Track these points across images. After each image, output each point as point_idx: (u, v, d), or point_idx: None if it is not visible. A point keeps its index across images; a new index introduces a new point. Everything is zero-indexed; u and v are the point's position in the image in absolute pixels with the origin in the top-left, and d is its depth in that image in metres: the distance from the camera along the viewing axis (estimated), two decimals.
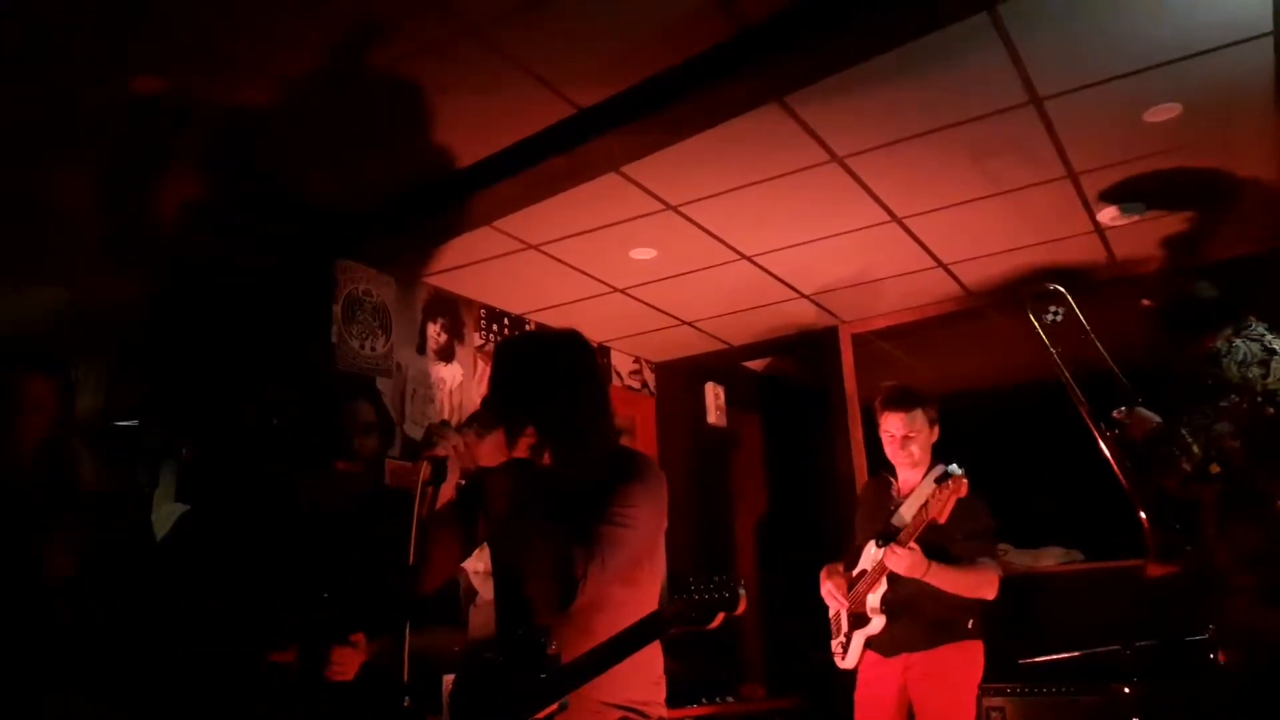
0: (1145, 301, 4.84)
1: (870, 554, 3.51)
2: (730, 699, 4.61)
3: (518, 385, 2.12)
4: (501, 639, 2.10)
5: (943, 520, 3.27)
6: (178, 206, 3.67)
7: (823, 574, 3.66)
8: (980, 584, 3.35)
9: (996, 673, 4.51)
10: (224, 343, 4.16)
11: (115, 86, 2.91)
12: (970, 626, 3.41)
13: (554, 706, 1.86)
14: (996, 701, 4.39)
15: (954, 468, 3.30)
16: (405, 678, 2.06)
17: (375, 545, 2.75)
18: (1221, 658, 2.34)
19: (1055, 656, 4.14)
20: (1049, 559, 5.08)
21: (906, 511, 3.46)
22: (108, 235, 3.79)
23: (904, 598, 3.39)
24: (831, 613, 3.66)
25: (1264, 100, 3.20)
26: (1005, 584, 5.06)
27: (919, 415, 3.49)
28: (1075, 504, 5.36)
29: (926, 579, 3.29)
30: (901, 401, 3.50)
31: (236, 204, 3.69)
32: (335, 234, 3.94)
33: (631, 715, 2.01)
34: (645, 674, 2.05)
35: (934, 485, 3.33)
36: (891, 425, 3.50)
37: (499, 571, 2.21)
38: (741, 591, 1.81)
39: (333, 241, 3.99)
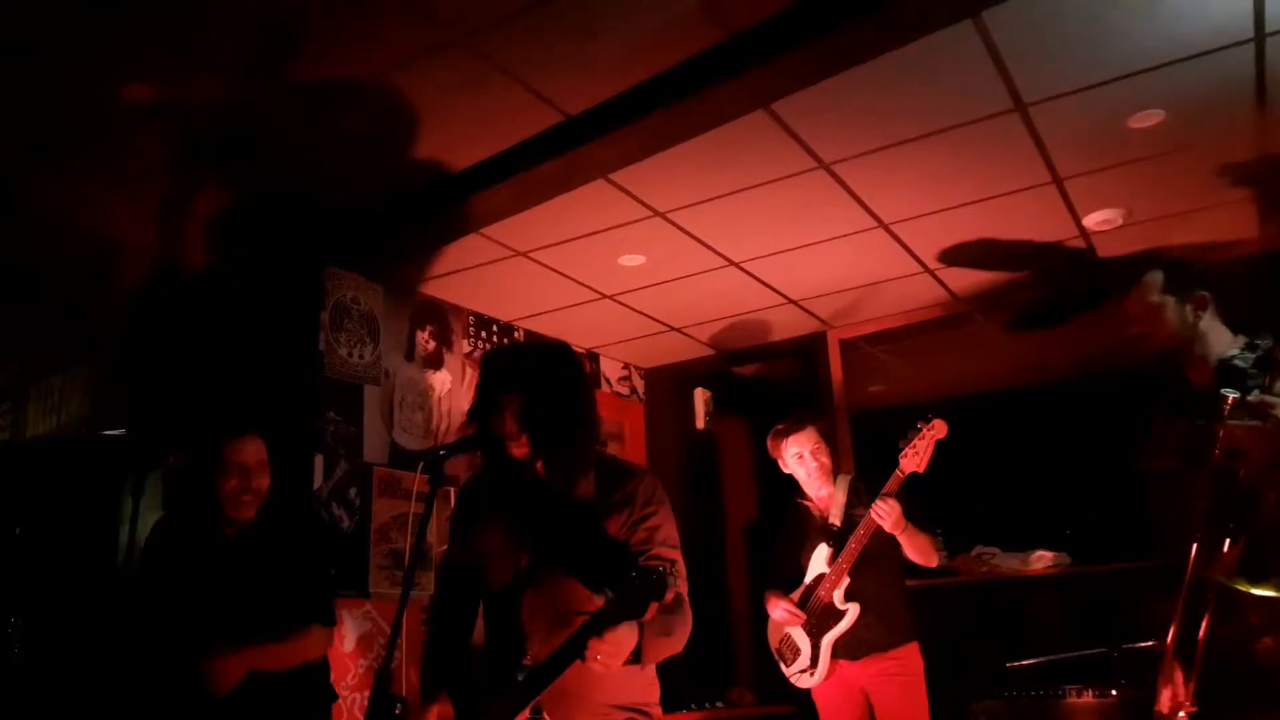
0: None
1: (821, 556, 3.61)
2: (720, 704, 4.61)
3: (510, 395, 2.12)
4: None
5: (922, 470, 3.44)
6: (166, 213, 3.66)
7: (769, 600, 3.70)
8: (933, 549, 3.60)
9: (986, 676, 4.53)
10: (211, 350, 4.15)
11: (106, 91, 2.90)
12: (913, 627, 3.60)
13: (524, 715, 1.94)
14: (986, 705, 4.40)
15: (922, 421, 3.48)
16: (401, 690, 2.09)
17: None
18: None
19: (1044, 659, 4.15)
20: (1037, 562, 5.10)
21: (837, 512, 3.64)
22: (96, 241, 3.78)
23: (866, 589, 3.50)
24: (778, 640, 3.69)
25: (1246, 106, 3.23)
26: (994, 587, 5.11)
27: (815, 431, 3.75)
28: (1063, 508, 5.39)
29: (902, 536, 3.47)
30: (799, 422, 3.76)
31: (225, 211, 3.69)
32: (323, 241, 3.94)
33: (636, 716, 2.08)
34: (642, 676, 2.10)
35: (848, 476, 3.69)
36: (798, 444, 3.72)
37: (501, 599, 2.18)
38: (670, 580, 1.88)
39: (320, 249, 3.98)
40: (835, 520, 3.64)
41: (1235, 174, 3.69)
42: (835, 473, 3.76)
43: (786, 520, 3.85)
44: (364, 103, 3.06)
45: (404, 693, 2.16)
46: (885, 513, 3.42)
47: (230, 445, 2.79)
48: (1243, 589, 2.25)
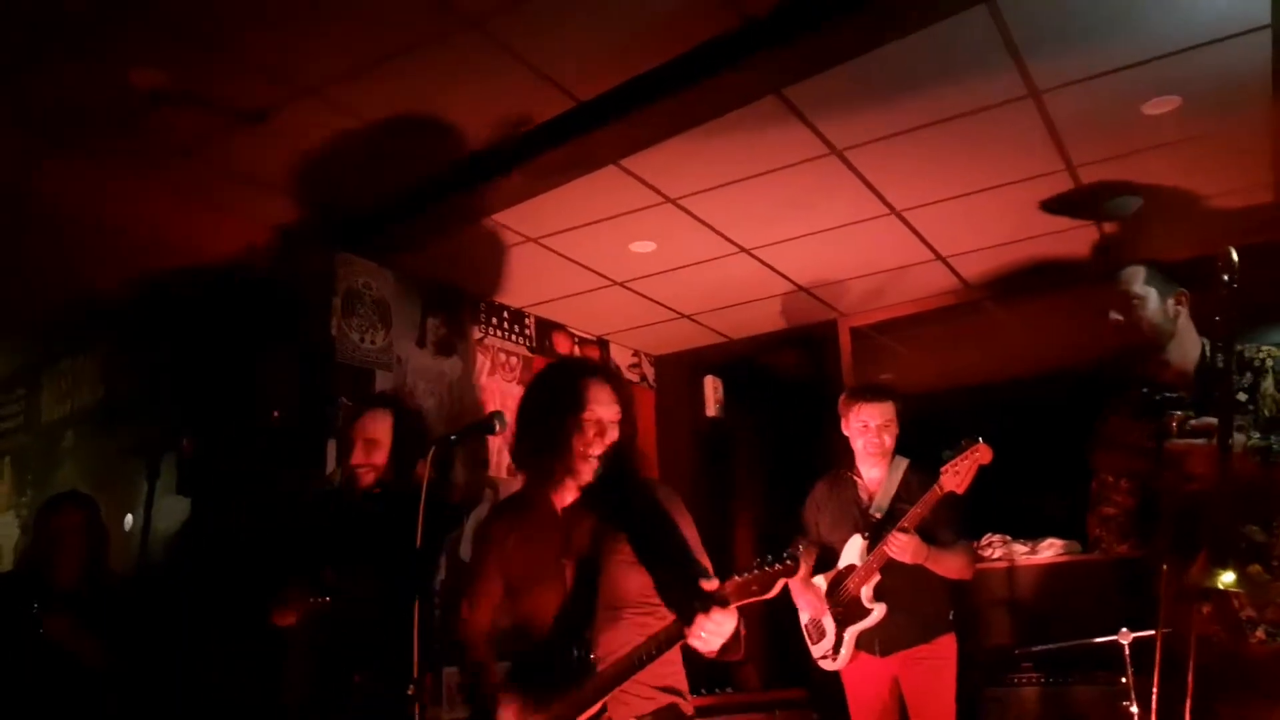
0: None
1: (856, 548, 3.54)
2: (729, 689, 4.63)
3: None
4: (548, 648, 2.24)
5: (961, 491, 3.32)
6: (180, 199, 3.68)
7: (794, 586, 3.62)
8: (965, 565, 3.51)
9: (996, 663, 4.54)
10: (224, 335, 4.17)
11: (116, 79, 2.92)
12: (951, 619, 3.54)
13: (596, 708, 2.09)
14: (997, 692, 4.41)
15: (967, 440, 3.35)
16: (415, 672, 2.13)
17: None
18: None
19: (1053, 646, 4.15)
20: (1048, 550, 5.09)
21: (883, 501, 3.54)
22: (109, 225, 3.80)
23: (897, 588, 3.43)
24: (807, 618, 3.66)
25: (1262, 92, 3.21)
26: (1006, 575, 5.11)
27: (891, 407, 3.59)
28: (1074, 496, 5.37)
29: (926, 563, 3.36)
30: (878, 393, 3.62)
31: (237, 198, 3.71)
32: (335, 227, 3.95)
33: (675, 699, 2.21)
34: (674, 664, 2.23)
35: (906, 460, 3.55)
36: (868, 415, 3.57)
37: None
38: (803, 559, 2.01)
39: (332, 235, 3.99)
40: (878, 510, 3.54)
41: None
42: (893, 454, 3.61)
43: (825, 489, 3.76)
44: (375, 89, 3.06)
45: (415, 674, 2.17)
46: (901, 548, 3.32)
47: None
48: (1210, 584, 2.26)
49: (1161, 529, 2.52)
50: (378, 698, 2.62)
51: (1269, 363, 2.47)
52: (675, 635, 2.06)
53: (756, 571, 2.00)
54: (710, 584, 2.03)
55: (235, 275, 4.12)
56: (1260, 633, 2.36)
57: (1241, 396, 2.40)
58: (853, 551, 3.55)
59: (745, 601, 2.03)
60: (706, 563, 2.27)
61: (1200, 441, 2.35)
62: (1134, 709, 3.73)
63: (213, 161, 3.45)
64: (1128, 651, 3.80)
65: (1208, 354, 2.51)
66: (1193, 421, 2.41)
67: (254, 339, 4.08)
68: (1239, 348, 2.40)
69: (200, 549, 2.87)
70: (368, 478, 2.97)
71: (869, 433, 3.56)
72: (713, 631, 2.01)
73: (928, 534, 3.39)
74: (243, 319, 4.14)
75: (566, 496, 2.31)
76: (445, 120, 3.26)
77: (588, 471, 2.26)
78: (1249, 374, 2.44)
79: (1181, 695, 2.30)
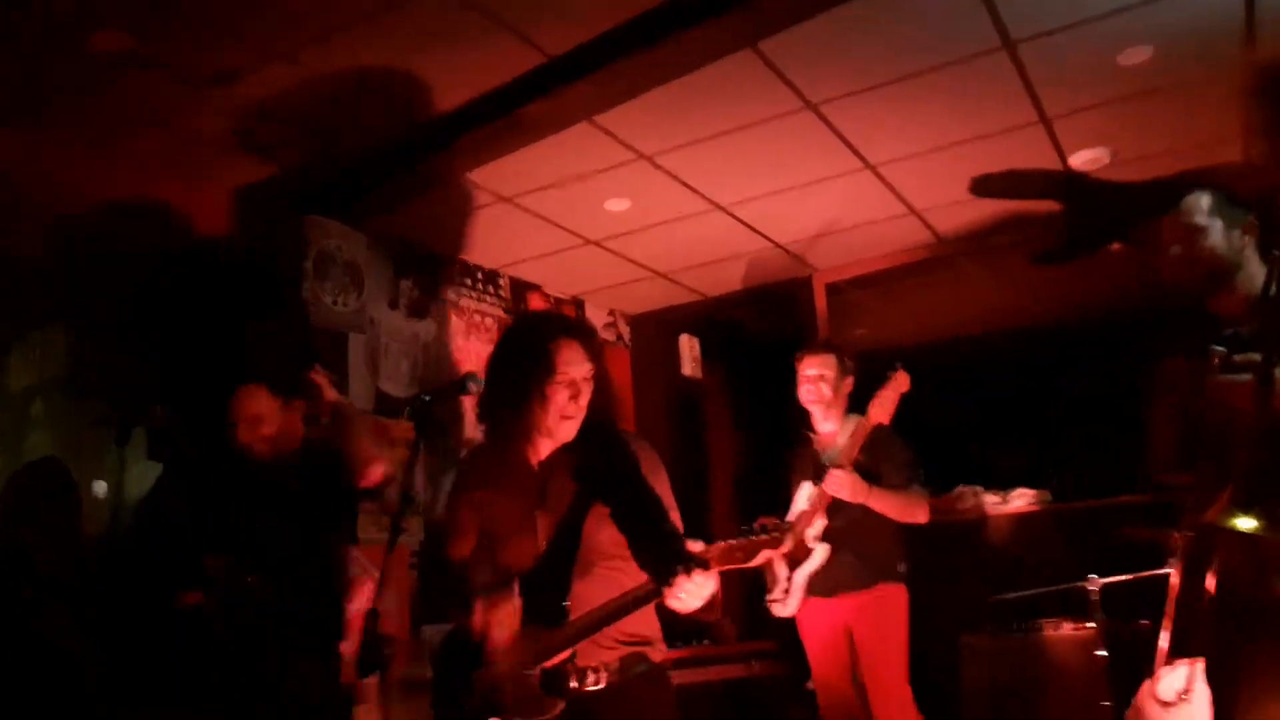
0: (1115, 246, 4.89)
1: (806, 494, 3.62)
2: (707, 641, 4.69)
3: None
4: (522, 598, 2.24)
5: (886, 421, 3.43)
6: (148, 166, 3.61)
7: (760, 524, 3.70)
8: (914, 506, 3.55)
9: (971, 611, 4.63)
10: (197, 301, 4.10)
11: (82, 44, 2.84)
12: (901, 571, 3.58)
13: (566, 654, 2.11)
14: (972, 639, 4.50)
15: (890, 371, 3.46)
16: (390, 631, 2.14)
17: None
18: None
19: (1026, 594, 4.24)
20: (1019, 500, 5.18)
21: (836, 451, 3.60)
22: (73, 195, 3.72)
23: (843, 530, 3.50)
24: (765, 565, 3.70)
25: (1234, 42, 3.21)
26: (978, 525, 5.19)
27: (831, 359, 3.70)
28: (1043, 446, 5.46)
29: (868, 502, 3.44)
30: (815, 346, 3.79)
31: (206, 164, 3.63)
32: (306, 190, 3.89)
33: (640, 649, 2.22)
34: (647, 614, 2.23)
35: (860, 416, 3.58)
36: (805, 366, 3.71)
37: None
38: (789, 533, 1.99)
39: (303, 198, 3.93)
40: (829, 460, 3.61)
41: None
42: (846, 411, 3.72)
43: (794, 455, 3.85)
44: (345, 47, 2.99)
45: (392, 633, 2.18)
46: (838, 484, 3.40)
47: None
48: (1230, 525, 2.23)
49: (1199, 470, 2.46)
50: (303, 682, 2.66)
51: None
52: (652, 593, 2.08)
53: (742, 540, 2.03)
54: (696, 545, 2.06)
55: (206, 241, 4.05)
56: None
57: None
58: (803, 498, 3.63)
59: (727, 568, 2.05)
60: (678, 521, 2.29)
61: (1243, 377, 2.20)
62: (1103, 653, 3.84)
63: (180, 127, 3.38)
64: (1097, 598, 3.89)
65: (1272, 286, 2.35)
66: (1236, 357, 2.28)
67: (227, 304, 4.03)
68: None
69: (164, 516, 2.83)
70: (261, 449, 2.90)
71: (805, 383, 3.70)
72: (691, 593, 2.03)
73: (872, 475, 3.48)
74: (215, 284, 4.08)
75: (541, 450, 2.30)
76: (415, 79, 3.20)
77: (565, 432, 2.26)
78: None
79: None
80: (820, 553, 3.52)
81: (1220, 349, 2.31)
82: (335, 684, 2.76)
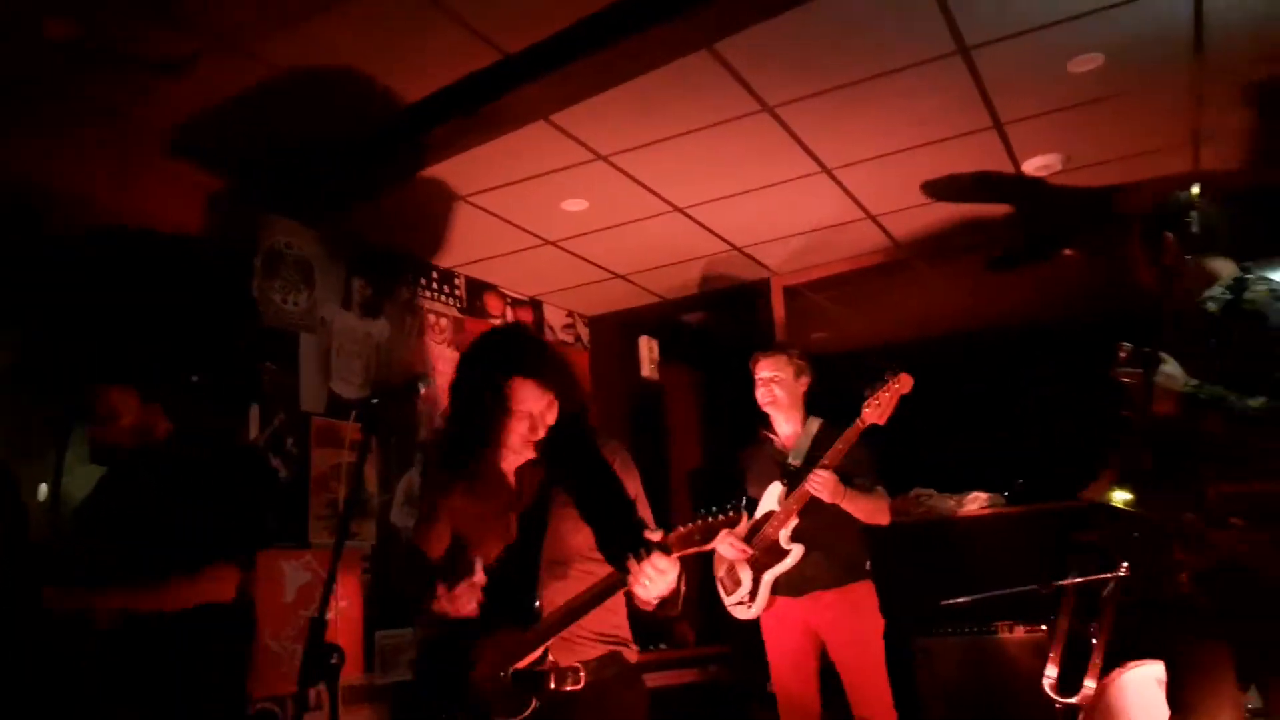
0: (1067, 251, 4.96)
1: (774, 494, 3.64)
2: (663, 645, 4.68)
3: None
4: (494, 600, 2.26)
5: (882, 422, 3.45)
6: (94, 158, 3.51)
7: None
8: (881, 509, 3.62)
9: (924, 614, 4.65)
10: (143, 297, 4.01)
11: (28, 32, 2.75)
12: (868, 568, 3.64)
13: (538, 653, 2.15)
14: (924, 642, 4.53)
15: (889, 372, 3.49)
16: (337, 639, 2.10)
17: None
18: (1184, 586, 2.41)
19: (978, 596, 4.27)
20: (972, 503, 5.23)
21: (800, 452, 3.66)
22: (17, 186, 3.61)
23: (814, 530, 3.53)
24: (723, 570, 3.74)
25: (1183, 50, 3.26)
26: (933, 528, 5.23)
27: (783, 360, 3.75)
28: (998, 450, 5.52)
29: (842, 503, 3.47)
30: (768, 349, 3.83)
31: (154, 156, 3.55)
32: (256, 186, 3.81)
33: (616, 646, 2.28)
34: (618, 614, 2.29)
35: (819, 420, 3.67)
36: (758, 368, 3.77)
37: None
38: (744, 512, 1.99)
39: (254, 194, 3.85)
40: (795, 460, 3.66)
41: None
42: (806, 414, 3.77)
43: (750, 453, 3.87)
44: (297, 40, 2.93)
45: (340, 641, 2.13)
46: (822, 483, 3.44)
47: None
48: (1107, 500, 2.32)
49: (1110, 460, 2.57)
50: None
51: (1247, 295, 2.41)
52: (617, 583, 2.11)
53: (699, 522, 2.05)
54: (654, 534, 2.07)
55: (153, 236, 3.95)
56: (1184, 576, 2.43)
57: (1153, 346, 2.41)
58: (771, 498, 3.65)
59: (687, 551, 2.07)
60: (649, 517, 2.33)
61: (1135, 371, 2.38)
62: (1055, 654, 3.87)
63: (129, 118, 3.30)
64: (1051, 599, 3.93)
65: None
66: (1137, 349, 2.42)
67: (173, 301, 3.93)
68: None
69: (101, 520, 2.73)
70: (123, 440, 2.78)
71: (759, 385, 3.75)
72: (654, 578, 2.05)
73: (844, 477, 3.51)
74: (162, 280, 3.98)
75: (512, 459, 2.32)
76: (369, 75, 3.14)
77: (531, 451, 2.29)
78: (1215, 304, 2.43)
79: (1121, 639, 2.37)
80: (795, 553, 3.55)
81: (1127, 344, 2.42)
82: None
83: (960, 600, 4.44)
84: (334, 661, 2.05)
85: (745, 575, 3.65)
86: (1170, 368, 2.36)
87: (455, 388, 2.36)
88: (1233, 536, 2.34)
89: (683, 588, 2.13)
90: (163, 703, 2.54)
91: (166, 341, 3.71)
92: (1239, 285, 2.43)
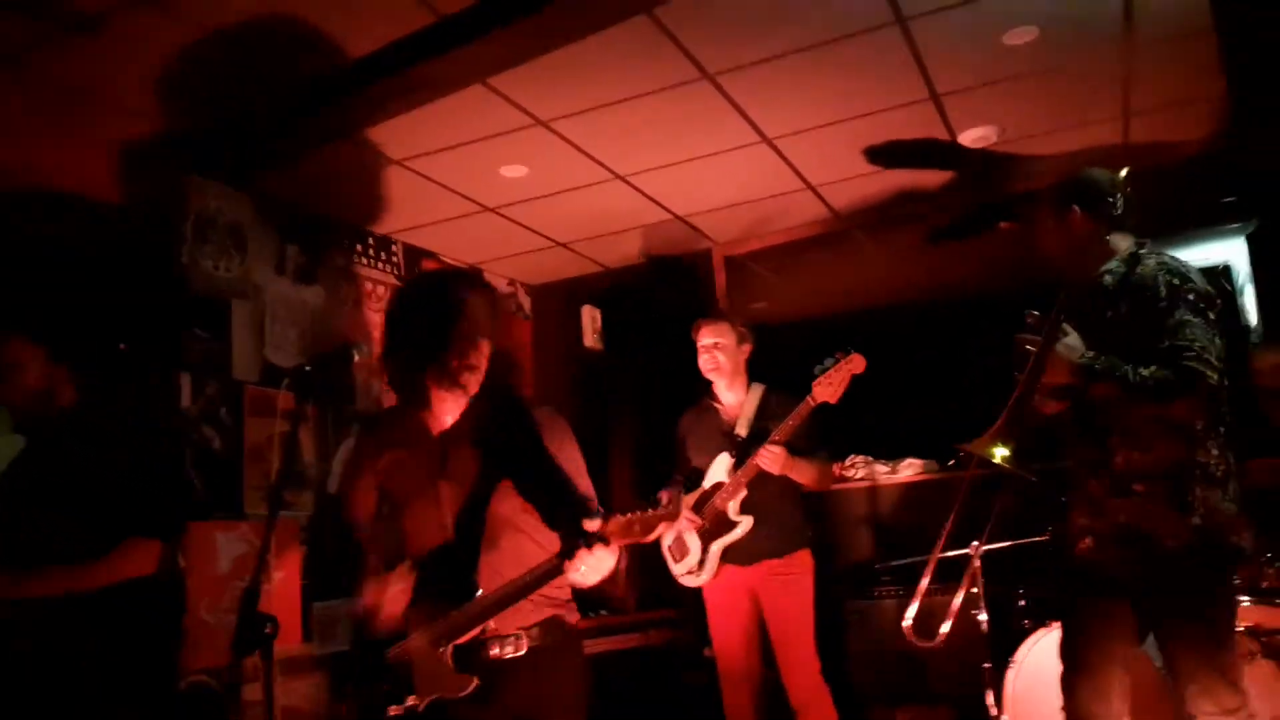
0: (1003, 224, 5.05)
1: (723, 465, 3.66)
2: (603, 611, 4.71)
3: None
4: (426, 570, 2.26)
5: (834, 401, 3.47)
6: (5, 115, 3.37)
7: (661, 497, 3.75)
8: (825, 476, 3.70)
9: (858, 578, 4.75)
10: (64, 264, 3.88)
11: None
12: (810, 536, 3.70)
13: (477, 630, 2.15)
14: (858, 604, 4.63)
15: (841, 352, 3.51)
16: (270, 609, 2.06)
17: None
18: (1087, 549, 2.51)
19: (910, 560, 4.37)
20: (907, 470, 5.33)
21: (745, 421, 3.69)
22: None
23: (763, 501, 3.57)
24: (671, 539, 3.76)
25: (1114, 24, 3.31)
26: (868, 494, 5.33)
27: (725, 327, 3.77)
28: (938, 419, 5.62)
29: (790, 472, 3.51)
30: (709, 316, 3.84)
31: (72, 115, 3.41)
32: (183, 148, 3.69)
33: (557, 609, 2.29)
34: (561, 579, 2.24)
35: (762, 386, 3.69)
36: (700, 335, 3.78)
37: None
38: (681, 503, 1.99)
39: (180, 156, 3.73)
40: (741, 430, 3.67)
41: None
42: (749, 381, 3.78)
43: (691, 418, 3.88)
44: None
45: (271, 612, 2.10)
46: (773, 459, 3.46)
47: None
48: (988, 454, 2.40)
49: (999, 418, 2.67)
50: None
51: (1139, 270, 2.51)
52: (554, 569, 2.10)
53: (639, 514, 2.04)
54: (593, 523, 2.06)
55: (74, 199, 3.82)
56: (1089, 540, 2.52)
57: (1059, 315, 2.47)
58: (719, 469, 3.67)
59: (625, 542, 2.07)
60: (589, 487, 2.34)
61: (1029, 339, 2.46)
62: (983, 616, 3.99)
63: (42, 73, 3.15)
64: (978, 563, 4.04)
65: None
66: (1037, 316, 2.51)
67: (97, 267, 3.81)
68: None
69: (23, 493, 2.65)
70: (21, 400, 2.67)
71: (702, 352, 3.76)
72: (592, 567, 2.06)
73: (791, 444, 3.54)
74: (84, 246, 3.85)
75: (444, 418, 2.29)
76: (301, 32, 3.05)
77: (471, 385, 2.24)
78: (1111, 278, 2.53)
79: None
80: (745, 524, 3.58)
81: (1036, 312, 2.50)
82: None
83: (893, 564, 4.54)
84: (268, 632, 2.02)
85: (694, 544, 3.68)
86: (1072, 339, 2.44)
87: (402, 300, 2.32)
88: (1133, 503, 2.44)
89: (622, 567, 2.15)
90: (87, 683, 2.48)
91: (78, 303, 3.59)
92: (1133, 259, 2.53)
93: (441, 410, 2.28)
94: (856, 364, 3.47)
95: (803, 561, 3.63)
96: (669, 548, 3.78)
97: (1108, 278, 2.54)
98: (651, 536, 2.06)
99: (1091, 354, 2.42)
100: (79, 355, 2.76)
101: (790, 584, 3.58)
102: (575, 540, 2.05)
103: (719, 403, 3.81)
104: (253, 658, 2.03)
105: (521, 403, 2.34)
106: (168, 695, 2.77)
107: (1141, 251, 2.55)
